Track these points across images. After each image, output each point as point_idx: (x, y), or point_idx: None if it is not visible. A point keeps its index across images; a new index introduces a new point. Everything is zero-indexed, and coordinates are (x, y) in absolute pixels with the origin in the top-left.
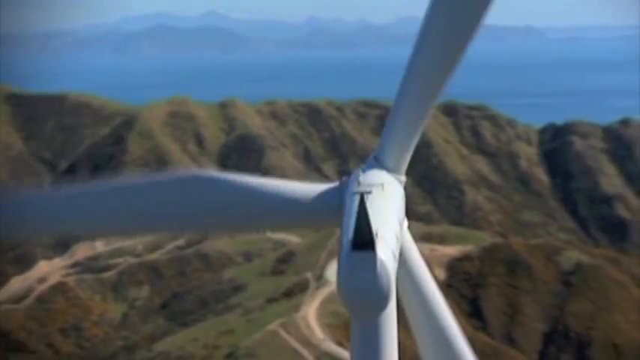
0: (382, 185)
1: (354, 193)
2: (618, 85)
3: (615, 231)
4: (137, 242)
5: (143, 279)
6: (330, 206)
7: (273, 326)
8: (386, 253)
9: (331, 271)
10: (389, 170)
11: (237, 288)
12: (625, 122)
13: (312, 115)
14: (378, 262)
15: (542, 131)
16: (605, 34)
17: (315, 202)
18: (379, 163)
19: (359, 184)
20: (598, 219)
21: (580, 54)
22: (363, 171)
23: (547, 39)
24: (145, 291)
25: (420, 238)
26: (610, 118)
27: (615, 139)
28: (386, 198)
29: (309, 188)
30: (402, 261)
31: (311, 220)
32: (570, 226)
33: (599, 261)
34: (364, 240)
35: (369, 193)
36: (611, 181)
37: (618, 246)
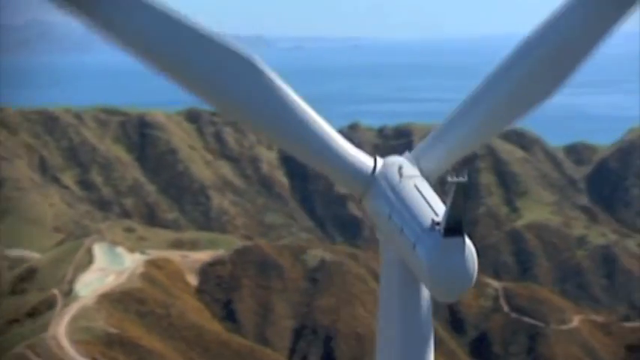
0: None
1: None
2: (341, 91)
3: (349, 229)
4: None
5: None
6: (360, 179)
7: (19, 349)
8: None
9: (81, 285)
10: (423, 170)
11: None
12: (353, 127)
13: (48, 123)
14: (467, 247)
15: None
16: (325, 45)
17: (349, 167)
18: (417, 161)
19: (401, 175)
20: (334, 218)
21: (306, 62)
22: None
23: (276, 48)
24: None
25: (170, 245)
26: (339, 123)
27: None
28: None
29: (348, 151)
30: None
31: (337, 176)
32: (309, 225)
33: (340, 257)
34: (455, 227)
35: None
36: None
37: (352, 243)
